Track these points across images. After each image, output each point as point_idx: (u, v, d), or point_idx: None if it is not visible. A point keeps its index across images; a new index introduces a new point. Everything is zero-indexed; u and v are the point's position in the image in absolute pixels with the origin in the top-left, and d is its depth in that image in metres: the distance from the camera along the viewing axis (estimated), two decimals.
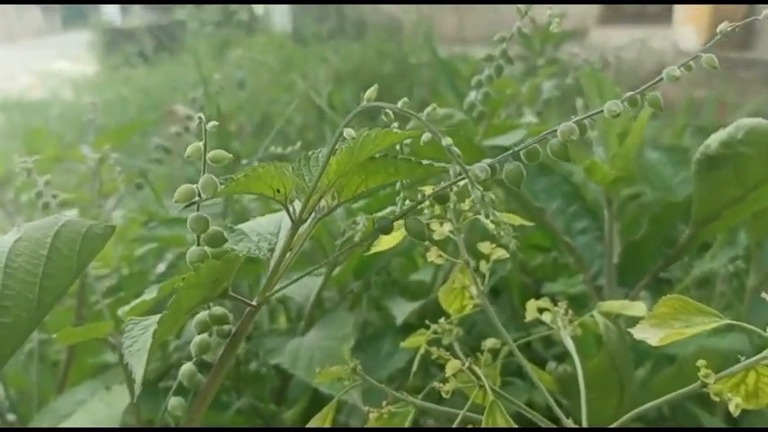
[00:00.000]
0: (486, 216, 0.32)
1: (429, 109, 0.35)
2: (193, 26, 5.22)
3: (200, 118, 0.39)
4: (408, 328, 0.71)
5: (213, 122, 0.38)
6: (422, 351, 0.54)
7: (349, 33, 4.35)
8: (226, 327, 0.42)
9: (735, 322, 0.39)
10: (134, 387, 0.54)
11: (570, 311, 0.53)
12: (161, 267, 0.93)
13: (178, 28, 5.51)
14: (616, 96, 0.65)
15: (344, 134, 0.35)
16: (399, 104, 0.35)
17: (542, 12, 0.51)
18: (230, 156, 0.38)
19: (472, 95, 0.72)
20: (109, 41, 6.20)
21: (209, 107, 1.10)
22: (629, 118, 0.67)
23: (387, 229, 0.41)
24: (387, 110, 0.36)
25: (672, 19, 3.27)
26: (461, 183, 0.42)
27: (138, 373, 0.35)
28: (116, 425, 0.60)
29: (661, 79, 0.36)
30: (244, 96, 2.52)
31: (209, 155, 0.38)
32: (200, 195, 0.38)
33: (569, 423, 0.44)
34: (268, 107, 2.49)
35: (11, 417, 0.75)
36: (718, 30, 0.38)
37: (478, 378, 0.43)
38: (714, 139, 0.55)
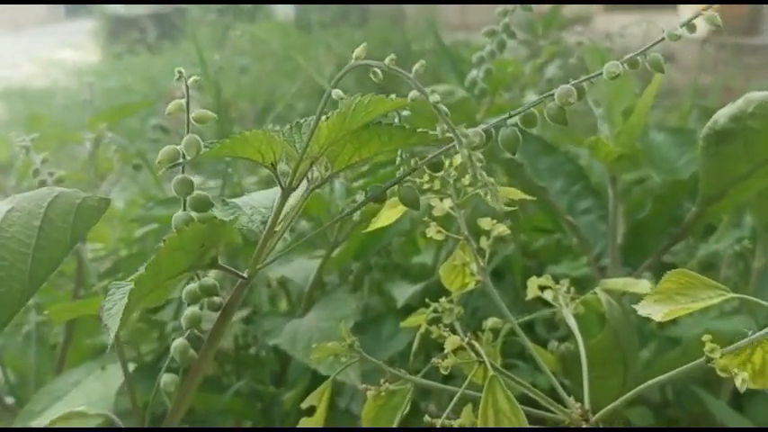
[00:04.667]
0: (474, 176, 0.31)
1: (417, 66, 0.34)
2: (196, 14, 5.20)
3: (179, 72, 0.37)
4: (409, 311, 0.70)
5: (195, 77, 0.37)
6: (422, 331, 0.53)
7: (352, 20, 4.33)
8: (216, 299, 0.41)
9: (741, 296, 0.38)
10: (125, 362, 0.53)
11: (572, 289, 0.52)
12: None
13: (180, 15, 5.49)
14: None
15: (333, 95, 0.34)
16: (386, 61, 0.34)
17: None
18: (214, 115, 0.37)
19: (474, 73, 0.71)
20: (112, 29, 6.19)
21: (209, 90, 1.08)
22: (633, 95, 0.66)
23: (380, 198, 0.40)
24: (375, 69, 0.35)
25: (676, 6, 3.25)
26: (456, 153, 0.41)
27: (112, 332, 0.34)
28: (111, 404, 0.59)
29: (663, 39, 0.35)
30: (246, 83, 2.51)
31: (193, 114, 0.37)
32: (184, 157, 0.37)
33: (571, 401, 0.43)
34: (271, 94, 2.48)
35: (9, 399, 0.75)
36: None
37: (478, 354, 0.42)
38: (723, 114, 0.54)
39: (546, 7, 1.74)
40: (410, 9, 4.34)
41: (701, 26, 0.38)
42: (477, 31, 0.71)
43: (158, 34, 4.97)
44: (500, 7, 0.70)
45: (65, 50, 6.58)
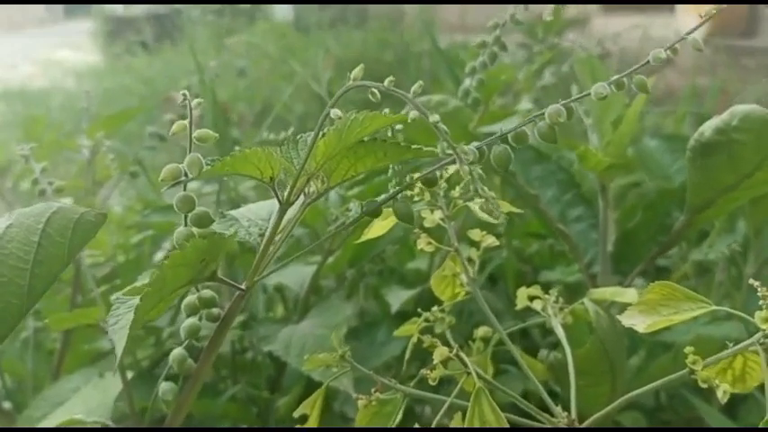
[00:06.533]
0: (475, 191, 0.32)
1: (415, 87, 0.34)
2: (194, 14, 5.20)
3: (183, 95, 0.38)
4: (404, 317, 0.71)
5: (198, 99, 0.38)
6: (414, 340, 0.54)
7: (350, 21, 4.33)
8: (215, 310, 0.42)
9: (722, 308, 0.39)
10: (123, 369, 0.54)
11: (561, 299, 0.52)
12: (158, 256, 0.93)
13: (179, 16, 5.49)
14: None
15: (331, 115, 0.35)
16: (385, 83, 0.35)
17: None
18: (216, 135, 0.38)
19: (466, 82, 0.72)
20: (111, 30, 6.19)
21: (206, 94, 1.09)
22: (623, 105, 0.67)
23: (374, 212, 0.41)
24: (372, 89, 0.35)
25: (674, 8, 3.26)
26: (451, 166, 0.42)
27: (119, 348, 0.35)
28: (109, 411, 0.60)
29: (648, 62, 0.36)
30: (244, 85, 2.51)
31: (195, 134, 0.38)
32: (186, 175, 0.37)
33: (558, 410, 0.44)
34: (269, 96, 2.49)
35: (6, 405, 0.75)
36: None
37: (466, 365, 0.43)
38: (708, 126, 0.55)
39: (545, 10, 1.73)
40: (409, 10, 4.34)
41: (699, 28, 0.38)
42: (477, 33, 0.72)
43: (157, 35, 4.97)
44: (497, 13, 0.71)
45: (63, 51, 6.59)
